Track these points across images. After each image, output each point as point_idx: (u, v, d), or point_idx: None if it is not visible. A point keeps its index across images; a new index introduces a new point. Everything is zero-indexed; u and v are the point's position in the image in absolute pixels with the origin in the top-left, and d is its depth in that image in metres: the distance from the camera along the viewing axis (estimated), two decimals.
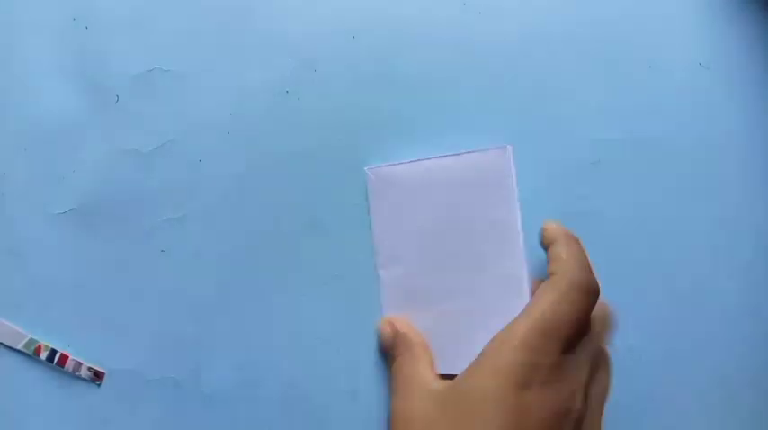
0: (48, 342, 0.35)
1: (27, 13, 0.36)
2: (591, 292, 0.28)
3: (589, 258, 0.30)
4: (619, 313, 0.35)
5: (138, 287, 0.35)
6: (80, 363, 0.35)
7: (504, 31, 0.35)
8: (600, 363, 0.29)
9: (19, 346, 0.35)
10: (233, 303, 0.35)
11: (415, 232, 0.34)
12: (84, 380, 0.35)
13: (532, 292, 0.31)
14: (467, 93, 0.35)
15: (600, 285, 0.29)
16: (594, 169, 0.35)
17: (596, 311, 0.29)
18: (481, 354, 0.28)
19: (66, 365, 0.35)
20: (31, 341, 0.35)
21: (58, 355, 0.35)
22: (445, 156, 0.33)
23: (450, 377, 0.30)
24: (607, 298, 0.34)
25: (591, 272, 0.29)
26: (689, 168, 0.35)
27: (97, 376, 0.35)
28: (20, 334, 0.35)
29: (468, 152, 0.32)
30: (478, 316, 0.32)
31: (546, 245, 0.31)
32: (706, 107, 0.35)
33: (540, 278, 0.30)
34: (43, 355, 0.35)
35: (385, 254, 0.34)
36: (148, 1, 0.35)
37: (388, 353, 0.33)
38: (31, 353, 0.35)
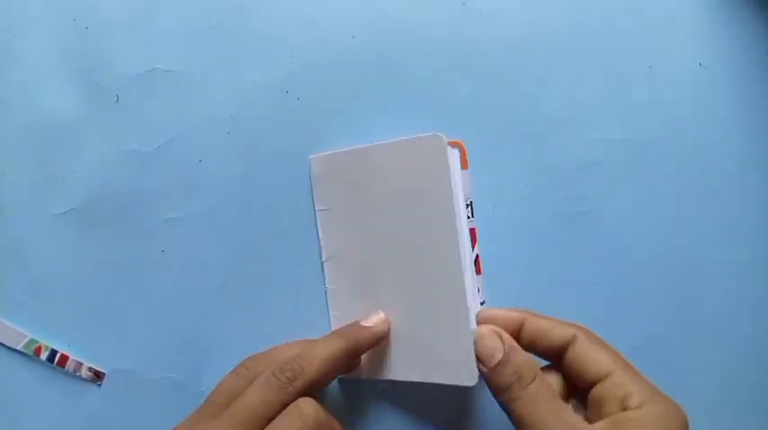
0: (48, 342, 0.35)
1: (27, 13, 0.36)
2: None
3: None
4: (619, 313, 0.35)
5: (138, 287, 0.35)
6: (80, 363, 0.35)
7: (504, 31, 0.35)
8: None
9: (19, 347, 0.35)
10: (233, 303, 0.35)
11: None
12: (84, 380, 0.35)
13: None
14: (467, 92, 0.35)
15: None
16: (594, 169, 0.35)
17: None
18: None
19: (67, 365, 0.35)
20: (32, 341, 0.35)
21: (58, 356, 0.35)
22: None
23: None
24: (607, 299, 0.35)
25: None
26: (689, 168, 0.35)
27: (97, 376, 0.35)
28: (20, 334, 0.35)
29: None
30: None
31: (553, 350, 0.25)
32: (706, 107, 0.35)
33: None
34: (43, 356, 0.35)
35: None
36: (148, 1, 0.35)
37: (498, 384, 0.25)
38: (31, 354, 0.35)
